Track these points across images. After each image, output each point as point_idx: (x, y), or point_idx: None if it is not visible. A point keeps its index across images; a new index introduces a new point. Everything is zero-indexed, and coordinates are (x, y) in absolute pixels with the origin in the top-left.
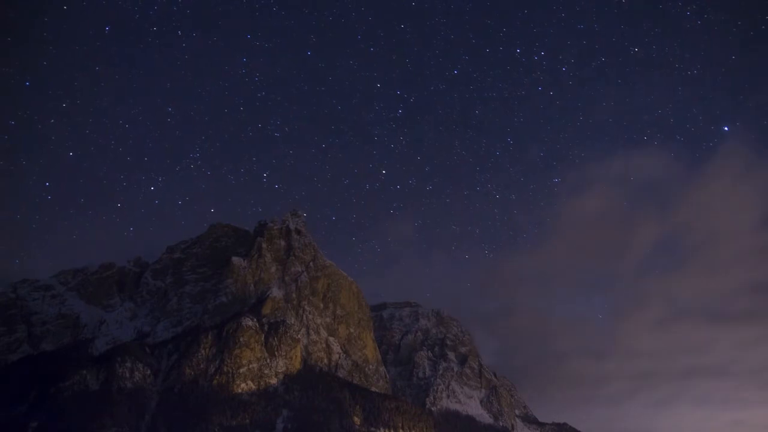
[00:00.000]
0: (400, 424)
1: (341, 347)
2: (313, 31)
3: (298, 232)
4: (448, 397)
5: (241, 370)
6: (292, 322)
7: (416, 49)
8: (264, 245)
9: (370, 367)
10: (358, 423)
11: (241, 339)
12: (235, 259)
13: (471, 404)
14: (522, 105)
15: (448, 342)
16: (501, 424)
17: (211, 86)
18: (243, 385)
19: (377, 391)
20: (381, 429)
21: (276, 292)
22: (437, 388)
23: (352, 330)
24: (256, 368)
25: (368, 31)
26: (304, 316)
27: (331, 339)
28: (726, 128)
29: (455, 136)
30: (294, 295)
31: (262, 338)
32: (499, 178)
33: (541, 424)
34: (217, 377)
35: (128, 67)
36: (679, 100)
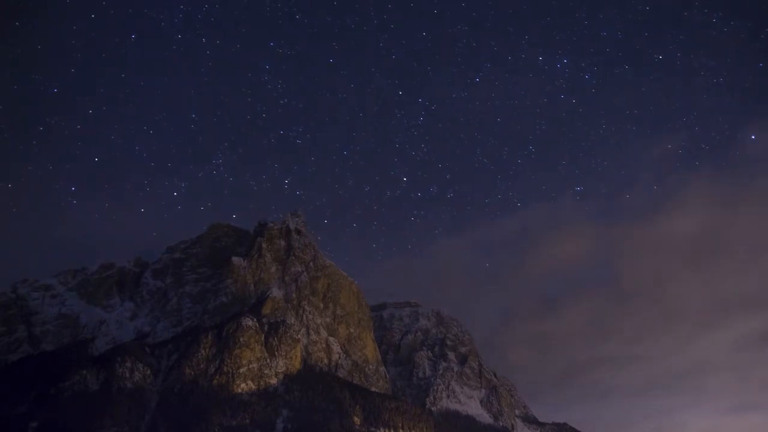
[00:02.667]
0: (400, 424)
1: (341, 347)
2: (335, 39)
3: (298, 232)
4: (448, 397)
5: (241, 370)
6: (292, 322)
7: (438, 57)
8: (264, 245)
9: (370, 367)
10: (358, 423)
11: (241, 339)
12: (235, 259)
13: (471, 404)
14: (544, 113)
15: (448, 342)
16: (501, 424)
17: (234, 93)
18: (243, 385)
19: (377, 391)
20: (381, 429)
21: (276, 292)
22: (437, 388)
23: (352, 330)
24: (256, 368)
25: (390, 39)
26: (304, 316)
27: (331, 339)
28: (753, 136)
29: (477, 143)
30: (294, 295)
31: (262, 338)
32: (521, 186)
33: (541, 424)
34: (217, 377)
35: (153, 73)
36: (704, 107)
